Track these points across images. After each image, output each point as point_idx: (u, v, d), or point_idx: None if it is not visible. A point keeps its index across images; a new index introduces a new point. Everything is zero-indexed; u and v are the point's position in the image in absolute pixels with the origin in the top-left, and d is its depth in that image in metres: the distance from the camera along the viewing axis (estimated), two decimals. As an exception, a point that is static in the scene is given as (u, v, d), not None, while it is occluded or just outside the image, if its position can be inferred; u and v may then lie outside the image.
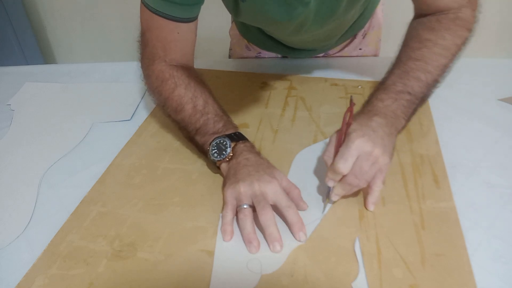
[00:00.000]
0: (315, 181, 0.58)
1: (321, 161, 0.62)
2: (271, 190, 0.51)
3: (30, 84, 0.92)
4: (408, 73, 0.59)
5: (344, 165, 0.49)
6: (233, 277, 0.46)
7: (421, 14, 0.65)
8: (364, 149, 0.50)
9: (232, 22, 0.97)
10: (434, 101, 0.74)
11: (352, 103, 0.51)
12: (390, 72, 0.62)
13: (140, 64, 0.69)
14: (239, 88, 0.82)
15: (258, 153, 0.58)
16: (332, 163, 0.51)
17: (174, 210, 0.55)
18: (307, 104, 0.76)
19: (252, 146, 0.59)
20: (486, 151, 0.62)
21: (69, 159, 0.68)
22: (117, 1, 1.84)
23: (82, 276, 0.47)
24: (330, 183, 0.52)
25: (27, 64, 1.88)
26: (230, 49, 1.02)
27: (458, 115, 0.70)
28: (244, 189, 0.52)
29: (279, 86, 0.82)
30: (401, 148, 0.63)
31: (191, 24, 0.65)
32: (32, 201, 0.59)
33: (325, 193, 0.54)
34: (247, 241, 0.49)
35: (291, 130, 0.69)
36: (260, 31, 0.88)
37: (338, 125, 0.54)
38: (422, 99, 0.60)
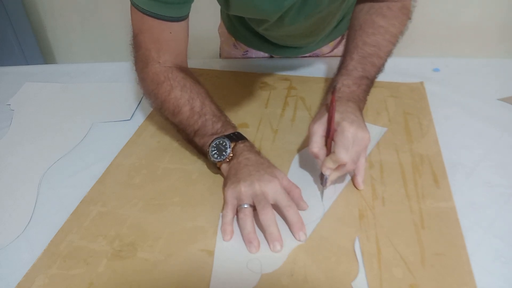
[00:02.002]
0: (315, 181, 0.58)
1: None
2: (272, 189, 0.52)
3: (30, 84, 0.92)
4: (366, 59, 0.64)
5: (346, 155, 0.51)
6: (233, 277, 0.46)
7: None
8: (358, 136, 0.52)
9: (221, 20, 0.97)
10: (434, 101, 0.74)
11: (334, 93, 0.54)
12: (349, 56, 0.65)
13: (134, 68, 0.68)
14: (239, 88, 0.82)
15: (258, 153, 0.58)
16: (332, 154, 0.52)
17: (174, 210, 0.55)
18: (307, 104, 0.76)
19: (252, 146, 0.59)
20: (486, 151, 0.62)
21: (69, 159, 0.68)
22: (117, 1, 1.84)
23: (82, 276, 0.47)
24: (328, 172, 0.53)
25: (27, 64, 1.88)
26: (221, 48, 1.01)
27: (458, 115, 0.70)
28: (245, 189, 0.52)
29: (279, 86, 0.82)
30: (401, 148, 0.63)
31: (183, 23, 0.64)
32: (32, 201, 0.59)
33: (320, 181, 0.55)
34: (247, 241, 0.49)
35: (291, 130, 0.69)
36: (246, 28, 0.88)
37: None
38: (374, 81, 0.66)
